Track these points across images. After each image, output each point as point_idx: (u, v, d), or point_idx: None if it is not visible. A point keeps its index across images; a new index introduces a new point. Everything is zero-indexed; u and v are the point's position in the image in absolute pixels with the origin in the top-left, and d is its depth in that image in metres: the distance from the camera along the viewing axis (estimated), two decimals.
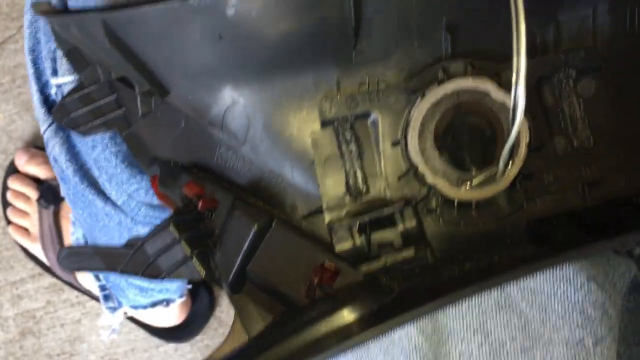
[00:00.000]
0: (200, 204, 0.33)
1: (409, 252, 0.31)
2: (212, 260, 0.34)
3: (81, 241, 0.85)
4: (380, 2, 0.30)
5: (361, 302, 0.30)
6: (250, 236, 0.32)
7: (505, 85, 0.32)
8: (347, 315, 0.30)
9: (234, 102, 0.33)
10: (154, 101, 0.34)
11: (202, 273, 0.33)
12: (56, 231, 0.94)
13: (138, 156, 0.37)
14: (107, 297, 0.90)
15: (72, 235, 0.89)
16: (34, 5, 0.31)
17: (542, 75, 0.32)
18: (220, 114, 0.33)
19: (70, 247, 0.33)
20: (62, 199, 0.94)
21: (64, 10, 0.33)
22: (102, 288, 0.89)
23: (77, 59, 0.35)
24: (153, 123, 0.35)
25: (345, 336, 0.29)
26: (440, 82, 0.32)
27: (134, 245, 0.33)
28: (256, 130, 0.33)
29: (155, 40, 0.30)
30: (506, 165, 0.31)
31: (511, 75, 0.32)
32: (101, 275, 0.86)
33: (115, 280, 0.83)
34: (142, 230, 0.59)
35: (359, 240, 0.32)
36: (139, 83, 0.32)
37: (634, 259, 0.42)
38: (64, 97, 0.37)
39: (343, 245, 0.32)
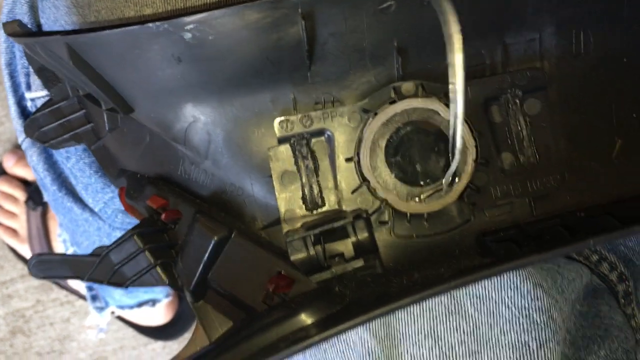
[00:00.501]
0: (163, 215, 0.35)
1: (358, 263, 0.32)
2: (175, 270, 0.35)
3: (68, 243, 0.86)
4: (332, 26, 0.32)
5: (314, 309, 0.32)
6: (210, 247, 0.34)
7: None
8: (301, 321, 0.32)
9: (195, 119, 0.34)
10: (120, 117, 0.35)
11: (166, 281, 0.35)
12: (44, 232, 0.96)
13: (106, 168, 0.38)
14: (94, 297, 0.91)
15: (59, 237, 0.90)
16: (4, 25, 0.33)
17: (489, 95, 0.34)
18: (183, 130, 0.35)
19: (39, 255, 0.34)
20: None
21: (31, 32, 0.35)
22: (90, 288, 0.90)
23: (46, 76, 0.37)
24: (119, 137, 0.36)
25: (298, 339, 0.30)
26: (392, 102, 0.34)
27: (99, 254, 0.34)
28: (217, 145, 0.35)
29: (117, 62, 0.32)
30: (451, 182, 0.32)
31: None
32: None
33: None
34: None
35: (313, 250, 0.33)
36: (103, 101, 0.34)
37: (590, 265, 0.43)
38: (34, 112, 0.38)
39: (298, 255, 0.33)
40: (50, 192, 0.57)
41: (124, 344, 1.08)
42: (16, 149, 1.01)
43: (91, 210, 0.57)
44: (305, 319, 0.31)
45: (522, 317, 0.34)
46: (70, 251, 0.89)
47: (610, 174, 0.35)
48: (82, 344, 1.08)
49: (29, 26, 0.37)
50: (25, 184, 0.98)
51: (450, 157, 0.28)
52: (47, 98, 0.45)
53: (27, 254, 1.00)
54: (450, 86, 0.27)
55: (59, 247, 0.94)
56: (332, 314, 0.31)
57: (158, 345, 1.07)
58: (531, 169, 0.34)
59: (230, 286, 0.34)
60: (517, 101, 0.34)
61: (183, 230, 0.35)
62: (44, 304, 1.07)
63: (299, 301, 0.32)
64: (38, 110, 0.38)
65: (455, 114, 0.27)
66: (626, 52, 0.34)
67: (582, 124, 0.35)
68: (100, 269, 0.35)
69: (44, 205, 0.96)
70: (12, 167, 0.98)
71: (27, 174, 0.98)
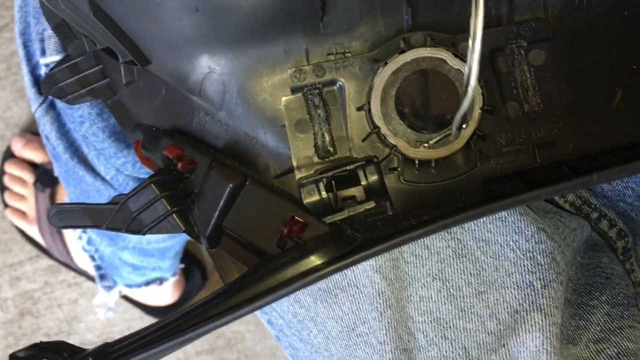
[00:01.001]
0: (180, 165, 0.36)
1: (369, 205, 0.33)
2: (191, 217, 0.36)
3: None
4: None
5: (327, 249, 0.33)
6: (225, 194, 0.35)
7: (461, 53, 0.35)
8: (314, 260, 0.32)
9: (210, 70, 0.35)
10: (136, 70, 0.36)
11: (182, 228, 0.36)
12: None
13: (122, 123, 0.39)
14: (102, 277, 0.93)
15: None
16: None
17: (495, 46, 0.35)
18: (198, 82, 0.36)
19: (59, 205, 0.35)
20: (57, 182, 0.96)
21: None
22: (98, 268, 0.91)
23: (64, 33, 0.37)
24: (136, 91, 0.37)
25: (309, 272, 0.31)
26: (401, 52, 0.35)
27: (118, 202, 0.35)
28: (232, 96, 0.36)
29: (136, 12, 0.33)
30: (459, 126, 0.33)
31: (466, 45, 0.35)
32: (96, 255, 0.88)
33: (110, 259, 0.86)
34: None
35: (325, 195, 0.34)
36: (121, 53, 0.35)
37: (590, 222, 0.45)
38: (52, 68, 0.39)
39: (310, 199, 0.34)
40: (62, 161, 0.58)
41: (131, 325, 1.09)
42: (24, 133, 1.02)
43: (103, 179, 0.58)
44: (318, 259, 0.32)
45: (527, 259, 0.35)
46: (77, 232, 0.90)
47: (610, 123, 0.35)
48: (90, 325, 1.09)
49: None
50: (34, 166, 0.99)
51: (465, 93, 0.29)
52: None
53: (36, 235, 1.01)
54: (471, 29, 0.28)
55: None
56: (344, 254, 0.32)
57: None
58: (535, 118, 0.35)
59: (245, 232, 0.35)
60: (522, 52, 0.35)
61: (199, 179, 0.36)
62: (52, 285, 1.08)
63: (312, 243, 0.33)
64: (55, 66, 0.39)
65: (472, 55, 0.28)
66: (627, 5, 0.35)
67: (584, 75, 0.36)
68: (119, 216, 0.36)
69: (52, 187, 0.97)
70: (21, 150, 0.99)
71: (35, 156, 0.99)
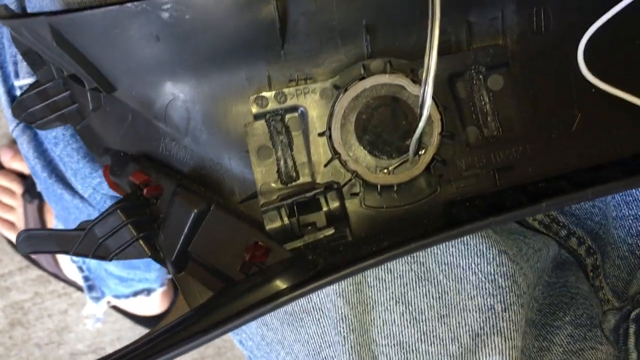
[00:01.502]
0: (146, 190, 0.36)
1: (329, 231, 0.34)
2: (157, 242, 0.37)
3: None
4: (303, 5, 0.33)
5: (289, 275, 0.33)
6: (190, 219, 0.35)
7: (420, 79, 0.35)
8: (276, 286, 0.33)
9: (174, 96, 0.36)
10: (103, 97, 0.37)
11: (148, 254, 0.36)
12: (41, 225, 0.97)
13: (91, 147, 0.39)
14: (90, 288, 0.93)
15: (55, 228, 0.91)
16: None
17: (454, 72, 0.35)
18: (163, 108, 0.36)
19: (27, 230, 0.36)
20: None
21: (17, 14, 0.36)
22: (86, 279, 0.92)
23: (33, 59, 0.38)
24: (103, 117, 0.38)
25: (271, 298, 0.31)
26: (361, 78, 0.35)
27: (84, 228, 0.35)
28: (196, 122, 0.36)
29: (98, 42, 0.33)
30: (416, 152, 0.34)
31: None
32: (84, 266, 0.89)
33: (96, 270, 0.86)
34: None
35: (287, 220, 0.34)
36: (86, 80, 0.35)
37: (560, 240, 0.45)
38: (21, 94, 0.40)
39: (272, 225, 0.34)
40: (41, 179, 0.59)
41: (121, 334, 1.09)
42: (12, 144, 1.03)
43: (81, 197, 0.58)
44: (280, 284, 0.33)
45: (488, 282, 0.36)
46: None
47: (570, 146, 0.36)
48: (80, 335, 1.10)
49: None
50: (22, 177, 0.99)
51: (419, 120, 0.30)
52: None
53: None
54: (425, 57, 0.28)
55: None
56: (308, 278, 0.32)
57: None
58: (495, 142, 0.36)
59: (209, 257, 0.36)
60: (481, 77, 0.36)
61: (164, 205, 0.36)
62: (42, 296, 1.08)
63: (274, 269, 0.34)
64: (25, 92, 0.39)
65: (426, 81, 0.29)
66: (583, 29, 0.36)
67: (543, 98, 0.36)
68: (85, 242, 0.36)
69: (41, 199, 0.97)
70: (9, 161, 0.99)
71: (23, 167, 0.99)
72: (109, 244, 0.36)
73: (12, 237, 1.02)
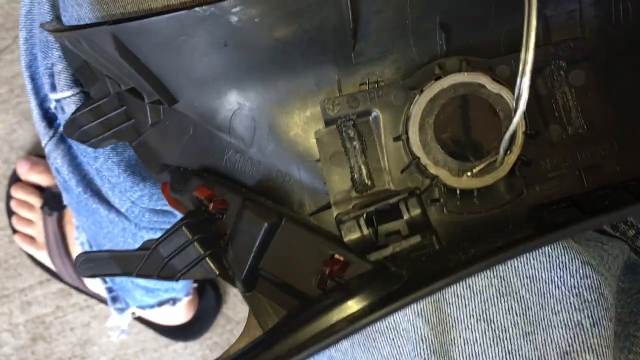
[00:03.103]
0: (211, 206, 0.34)
1: (415, 239, 0.31)
2: (225, 260, 0.34)
3: (86, 246, 0.85)
4: (376, 3, 0.31)
5: (371, 290, 0.31)
6: (261, 234, 0.33)
7: (499, 77, 0.33)
8: (358, 303, 0.30)
9: (240, 106, 0.33)
10: (163, 110, 0.34)
11: (216, 272, 0.34)
12: (61, 237, 0.94)
13: (149, 164, 0.37)
14: (114, 299, 0.90)
15: (76, 240, 0.89)
16: (42, 25, 0.32)
17: (534, 68, 0.33)
18: (227, 119, 0.33)
19: (87, 253, 0.33)
20: (65, 206, 0.94)
21: (74, 26, 0.33)
22: (110, 290, 0.89)
23: (86, 74, 0.35)
24: (162, 131, 0.35)
25: (356, 318, 0.29)
26: (437, 78, 0.32)
27: (148, 248, 0.33)
28: (262, 132, 0.33)
29: (163, 50, 0.31)
30: (505, 152, 0.31)
31: (504, 68, 0.33)
32: (107, 278, 0.86)
33: (122, 282, 0.84)
34: (146, 235, 0.59)
35: (367, 231, 0.32)
36: (147, 93, 0.32)
37: (627, 240, 0.43)
38: (74, 112, 0.37)
39: (351, 236, 0.32)
40: (74, 194, 0.56)
41: (145, 346, 1.07)
42: (29, 156, 1.00)
43: (117, 211, 0.56)
44: (364, 300, 0.30)
45: (573, 295, 0.33)
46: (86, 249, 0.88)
47: None
48: (104, 347, 1.07)
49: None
50: (40, 190, 0.96)
51: (513, 117, 0.27)
52: (73, 98, 0.44)
53: (46, 260, 0.99)
54: (521, 55, 0.26)
55: (76, 250, 0.93)
56: (392, 292, 0.30)
57: (179, 346, 1.06)
58: (580, 140, 0.33)
59: (282, 273, 0.33)
60: (562, 72, 0.33)
61: (231, 220, 0.34)
62: (64, 309, 1.06)
63: (355, 283, 0.31)
64: (78, 109, 0.37)
65: (523, 72, 0.27)
66: None
67: (626, 93, 0.34)
68: (150, 263, 0.34)
69: (60, 211, 0.95)
70: (26, 173, 0.96)
71: (41, 180, 0.96)
72: (174, 263, 0.34)
73: (33, 251, 0.99)
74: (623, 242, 0.40)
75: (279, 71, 0.32)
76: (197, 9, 0.28)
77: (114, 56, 0.30)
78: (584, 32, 0.34)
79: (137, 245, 0.62)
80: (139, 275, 0.33)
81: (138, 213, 0.55)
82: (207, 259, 0.33)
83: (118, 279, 0.84)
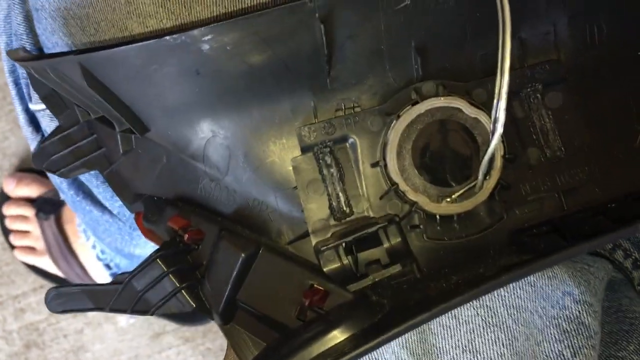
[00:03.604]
0: (186, 236, 0.31)
1: (395, 268, 0.29)
2: (202, 292, 0.31)
3: (89, 232, 0.80)
4: (350, 28, 0.28)
5: (353, 321, 0.28)
6: (238, 265, 0.30)
7: (477, 101, 0.30)
8: (339, 335, 0.28)
9: (214, 134, 0.30)
10: (134, 139, 0.31)
11: (193, 305, 0.31)
12: (62, 238, 0.89)
13: (121, 194, 0.34)
14: None
15: (78, 227, 0.84)
16: (9, 53, 0.28)
17: (510, 91, 0.30)
18: (201, 147, 0.30)
19: (57, 288, 0.30)
20: (60, 206, 0.89)
21: (39, 55, 0.30)
22: (115, 275, 0.85)
23: (53, 103, 0.32)
24: (134, 160, 0.32)
25: (339, 355, 0.26)
26: (414, 103, 0.30)
27: (121, 281, 0.30)
28: (237, 160, 0.31)
29: (133, 79, 0.28)
30: (484, 177, 0.29)
31: (481, 92, 0.30)
32: (111, 263, 0.82)
33: (127, 269, 0.79)
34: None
35: (346, 260, 0.29)
36: (118, 122, 0.29)
37: (605, 253, 0.40)
38: (42, 141, 0.34)
39: (331, 266, 0.29)
40: (68, 196, 0.53)
41: (138, 352, 1.03)
42: (14, 173, 0.95)
43: (110, 212, 0.53)
44: (346, 332, 0.28)
45: (552, 327, 0.31)
46: (90, 242, 0.84)
47: (634, 163, 0.31)
48: (97, 354, 1.03)
49: (25, 37, 0.32)
50: (31, 201, 0.92)
51: (490, 140, 0.25)
52: (47, 111, 0.40)
53: (48, 265, 0.94)
54: (497, 79, 0.23)
55: (80, 247, 0.88)
56: (375, 323, 0.27)
57: (172, 352, 1.02)
58: (558, 163, 0.31)
59: (261, 304, 0.30)
60: (539, 95, 0.31)
61: (207, 250, 0.31)
62: (57, 316, 1.02)
63: (336, 313, 0.29)
64: (47, 138, 0.34)
65: (498, 95, 0.24)
66: (637, 42, 0.31)
67: (602, 115, 0.31)
68: (123, 297, 0.31)
69: (56, 212, 0.90)
70: (14, 190, 0.92)
71: (30, 192, 0.92)
72: (149, 297, 0.30)
73: (35, 260, 0.94)
74: (607, 261, 0.37)
75: (253, 98, 0.29)
76: (167, 37, 0.25)
77: (82, 86, 0.27)
78: (560, 54, 0.31)
79: (134, 243, 0.59)
80: (112, 310, 0.30)
81: (129, 215, 0.51)
82: (182, 291, 0.30)
83: (123, 267, 0.80)
